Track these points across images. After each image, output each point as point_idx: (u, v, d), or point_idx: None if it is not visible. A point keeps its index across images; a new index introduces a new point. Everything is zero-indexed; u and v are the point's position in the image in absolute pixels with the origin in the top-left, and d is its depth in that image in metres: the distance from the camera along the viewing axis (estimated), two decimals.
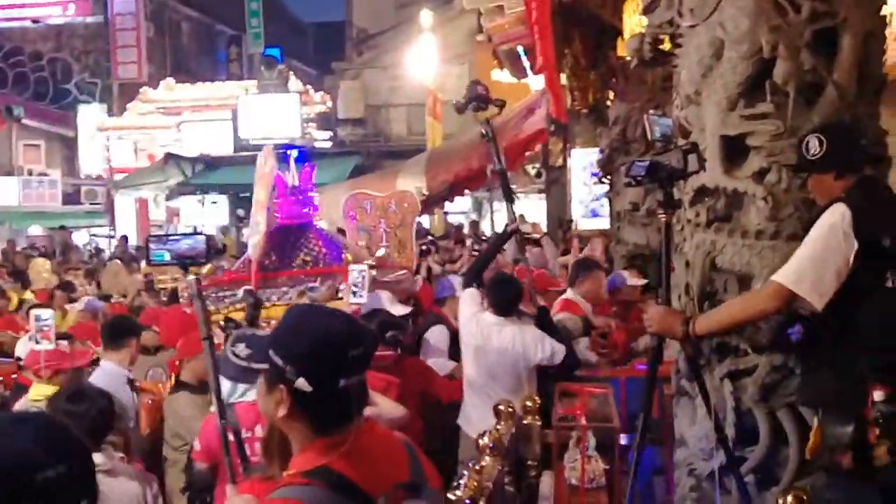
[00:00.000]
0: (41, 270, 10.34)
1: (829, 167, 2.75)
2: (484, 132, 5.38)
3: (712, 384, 3.11)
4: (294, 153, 6.69)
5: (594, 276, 5.83)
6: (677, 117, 3.38)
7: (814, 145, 2.74)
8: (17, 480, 1.27)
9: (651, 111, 3.64)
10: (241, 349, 4.36)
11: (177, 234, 2.98)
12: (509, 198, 5.48)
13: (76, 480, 1.34)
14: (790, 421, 3.06)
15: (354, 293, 4.54)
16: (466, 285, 5.08)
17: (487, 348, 4.72)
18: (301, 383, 1.73)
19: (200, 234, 3.05)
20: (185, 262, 2.99)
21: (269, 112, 22.13)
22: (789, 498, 2.80)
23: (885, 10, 3.21)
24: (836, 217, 2.62)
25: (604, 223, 13.44)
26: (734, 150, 3.11)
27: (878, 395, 2.51)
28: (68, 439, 1.39)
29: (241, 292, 4.82)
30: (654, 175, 2.79)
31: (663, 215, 2.85)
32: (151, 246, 3.00)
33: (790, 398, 3.03)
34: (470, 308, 4.85)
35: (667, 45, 3.61)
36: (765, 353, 3.02)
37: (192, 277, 3.06)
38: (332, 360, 1.75)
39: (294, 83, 23.47)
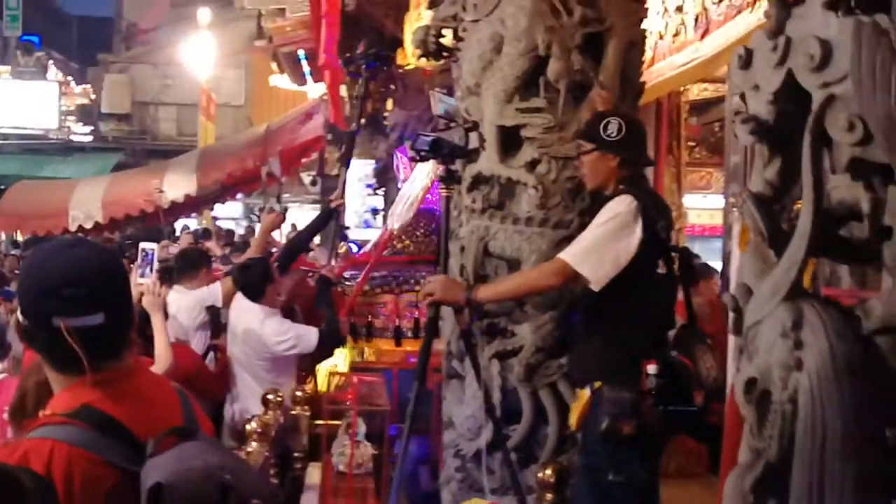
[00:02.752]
0: None
1: (619, 152, 2.89)
2: None
3: (481, 364, 3.23)
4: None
5: None
6: (459, 107, 3.51)
7: (613, 127, 2.87)
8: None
9: (437, 89, 3.74)
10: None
11: None
12: (347, 164, 5.38)
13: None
14: (551, 400, 3.25)
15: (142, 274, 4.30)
16: (280, 267, 4.93)
17: (236, 332, 4.63)
18: (19, 314, 1.68)
19: None
20: None
21: (24, 100, 20.48)
22: (548, 471, 2.97)
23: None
24: (622, 206, 2.78)
25: (375, 233, 13.60)
26: (510, 140, 3.26)
27: (651, 369, 2.71)
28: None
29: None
30: (436, 150, 2.87)
31: (444, 190, 2.95)
32: None
33: (552, 378, 3.22)
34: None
35: (447, 41, 3.73)
36: (531, 334, 3.19)
37: None
38: (41, 296, 1.65)
39: (53, 72, 21.90)
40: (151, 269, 3.39)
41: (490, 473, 3.27)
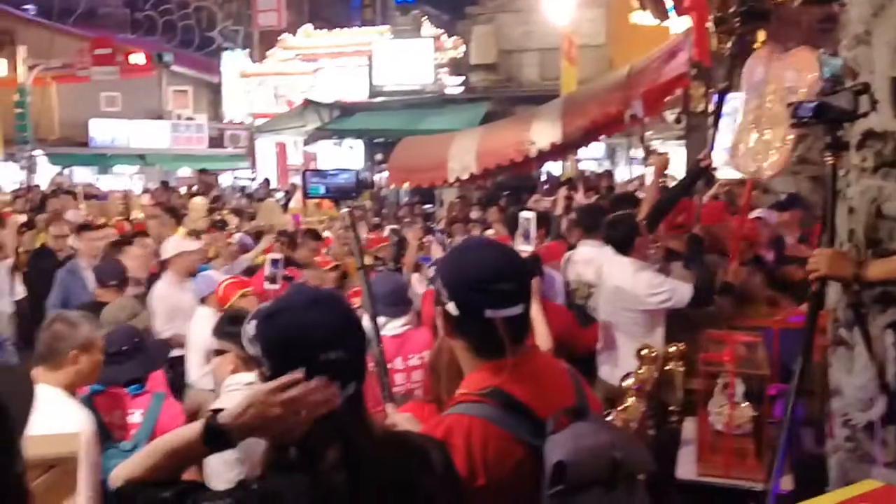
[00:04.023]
0: (199, 209, 10.82)
1: None
2: None
3: (873, 334, 3.03)
4: None
5: None
6: (845, 58, 3.25)
7: None
8: (305, 357, 1.57)
9: (822, 50, 3.46)
10: (432, 271, 4.63)
11: (333, 170, 3.11)
12: (716, 124, 5.25)
13: (351, 363, 1.63)
14: None
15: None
16: (649, 226, 4.99)
17: (606, 288, 4.72)
18: (450, 307, 1.86)
19: (352, 170, 3.17)
20: (338, 195, 3.13)
21: (403, 58, 22.37)
22: None
23: None
24: None
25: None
26: None
27: None
28: (352, 325, 1.66)
29: None
30: (821, 116, 2.70)
31: (830, 158, 2.77)
32: (309, 179, 3.13)
33: None
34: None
35: None
36: None
37: (345, 210, 3.22)
38: (477, 291, 1.84)
39: (427, 28, 23.55)
40: (529, 239, 3.61)
41: (884, 446, 3.09)
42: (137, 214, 10.63)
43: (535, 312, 4.29)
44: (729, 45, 8.82)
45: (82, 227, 7.76)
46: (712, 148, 5.17)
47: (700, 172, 5.23)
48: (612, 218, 4.99)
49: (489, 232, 8.96)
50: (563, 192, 9.34)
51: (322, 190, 3.08)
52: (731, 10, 5.73)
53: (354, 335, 1.67)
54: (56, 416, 2.90)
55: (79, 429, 2.92)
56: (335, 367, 1.59)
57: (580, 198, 8.49)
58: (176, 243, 6.54)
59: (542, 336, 4.12)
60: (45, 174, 21.75)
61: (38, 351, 3.23)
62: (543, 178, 16.18)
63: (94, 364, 3.34)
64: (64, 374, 3.20)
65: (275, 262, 5.47)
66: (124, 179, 24.57)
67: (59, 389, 3.15)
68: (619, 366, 4.49)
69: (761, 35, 8.90)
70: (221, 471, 2.80)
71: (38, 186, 17.75)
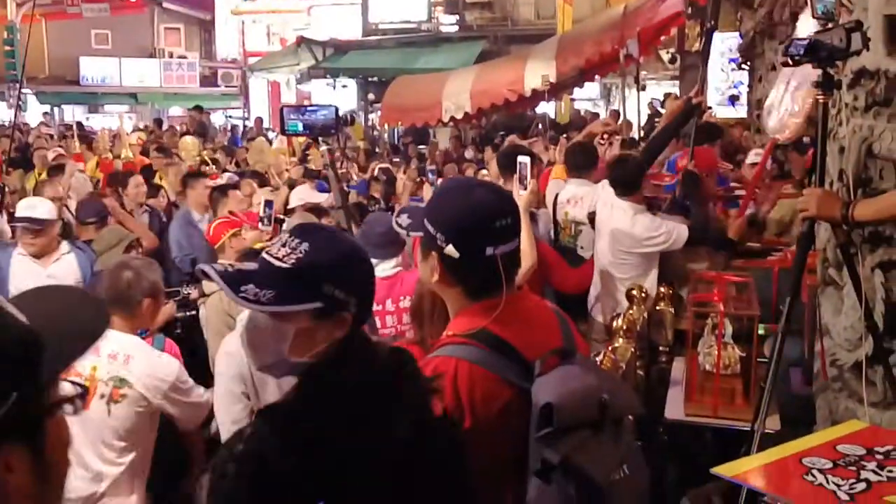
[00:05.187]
0: (190, 149, 10.68)
1: None
2: None
3: (863, 274, 3.04)
4: None
5: None
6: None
7: None
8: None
9: None
10: (404, 219, 4.61)
11: (313, 105, 3.05)
12: (705, 62, 5.15)
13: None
14: None
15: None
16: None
17: (603, 227, 4.70)
18: (450, 250, 1.84)
19: (331, 106, 3.10)
20: (316, 132, 3.08)
21: None
22: None
23: None
24: None
25: (741, 111, 12.92)
26: None
27: None
28: (359, 260, 1.70)
29: None
30: (813, 54, 2.66)
31: (821, 97, 2.74)
32: (287, 116, 3.08)
33: None
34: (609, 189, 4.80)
35: None
36: None
37: (324, 148, 3.17)
38: (479, 230, 1.83)
39: None
40: (525, 184, 3.60)
41: (870, 386, 3.12)
42: (127, 153, 10.44)
43: (525, 231, 4.30)
44: None
45: (190, 176, 6.91)
46: (704, 86, 5.13)
47: (692, 110, 5.18)
48: (619, 157, 4.94)
49: (483, 172, 8.90)
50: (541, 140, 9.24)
51: (300, 127, 3.02)
52: None
53: (361, 270, 1.68)
54: (156, 365, 3.19)
55: (174, 373, 3.23)
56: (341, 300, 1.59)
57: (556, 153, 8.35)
58: (302, 193, 6.43)
59: (526, 252, 4.17)
60: (35, 113, 21.52)
61: (107, 298, 3.28)
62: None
63: (158, 309, 3.53)
64: (134, 320, 3.34)
65: (269, 203, 5.45)
66: (115, 118, 24.32)
67: (137, 338, 3.30)
68: (615, 309, 4.50)
69: None
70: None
71: (27, 125, 17.55)
